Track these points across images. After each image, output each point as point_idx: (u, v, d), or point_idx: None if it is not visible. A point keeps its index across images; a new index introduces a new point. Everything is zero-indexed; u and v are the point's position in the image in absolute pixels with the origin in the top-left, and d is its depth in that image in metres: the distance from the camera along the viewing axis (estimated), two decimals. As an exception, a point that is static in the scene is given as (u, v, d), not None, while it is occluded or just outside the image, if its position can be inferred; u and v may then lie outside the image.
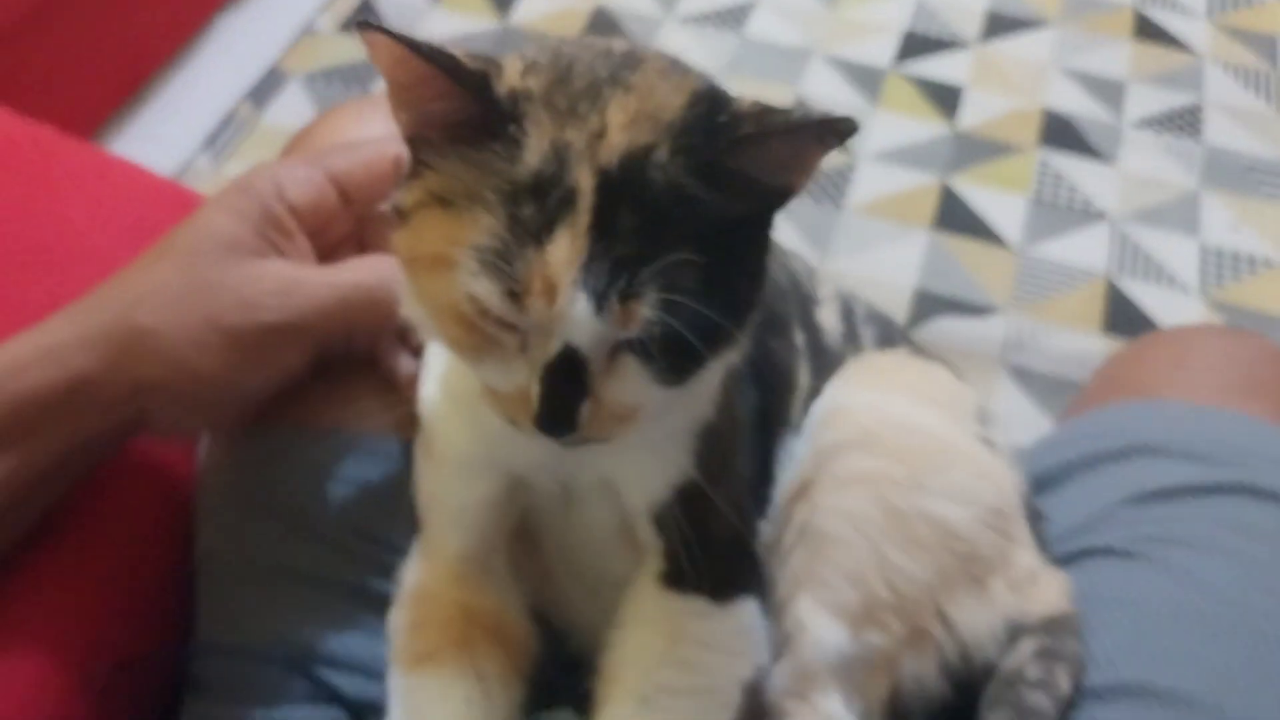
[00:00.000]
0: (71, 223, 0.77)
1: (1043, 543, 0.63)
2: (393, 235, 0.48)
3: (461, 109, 0.44)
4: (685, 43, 2.01)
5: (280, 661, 0.61)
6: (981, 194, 1.80)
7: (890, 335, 0.66)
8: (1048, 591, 0.60)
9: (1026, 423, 1.51)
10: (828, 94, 1.94)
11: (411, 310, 0.50)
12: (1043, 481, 0.69)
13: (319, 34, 1.99)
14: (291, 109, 1.85)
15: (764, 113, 0.45)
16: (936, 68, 2.00)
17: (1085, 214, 1.78)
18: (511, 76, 0.45)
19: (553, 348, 0.44)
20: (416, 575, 0.57)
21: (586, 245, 0.42)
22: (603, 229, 0.42)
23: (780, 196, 0.47)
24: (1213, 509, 0.63)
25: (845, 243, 1.72)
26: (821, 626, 0.54)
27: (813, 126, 0.44)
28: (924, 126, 1.90)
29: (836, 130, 0.44)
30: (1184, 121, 1.93)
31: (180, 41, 1.92)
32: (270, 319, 0.57)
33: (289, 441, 0.65)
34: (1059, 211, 1.78)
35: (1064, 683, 0.56)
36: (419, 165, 0.47)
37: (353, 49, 1.96)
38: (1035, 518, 0.63)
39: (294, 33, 1.98)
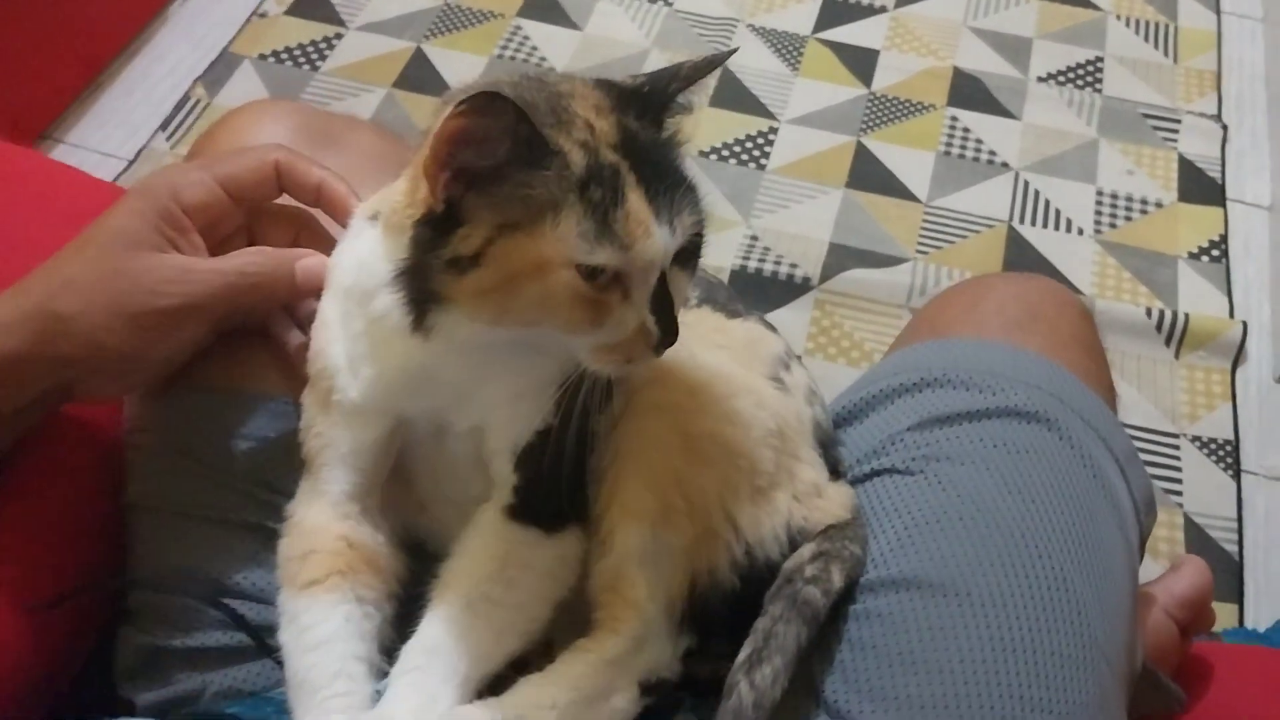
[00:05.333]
0: (14, 218, 0.87)
1: (837, 464, 0.74)
2: (458, 284, 0.58)
3: (513, 148, 0.55)
4: (618, 15, 2.08)
5: (195, 595, 0.71)
6: (893, 151, 1.88)
7: (714, 295, 0.76)
8: (831, 503, 0.70)
9: (930, 362, 1.61)
10: (752, 62, 2.02)
11: (517, 319, 0.59)
12: (849, 415, 0.79)
13: (268, 17, 2.05)
14: (244, 90, 1.91)
15: (674, 72, 0.62)
16: (853, 33, 2.08)
17: (990, 166, 1.86)
18: None
19: (654, 277, 0.58)
20: (305, 511, 0.67)
21: (644, 193, 0.57)
22: (642, 179, 0.58)
23: None
24: (980, 430, 0.73)
25: (766, 201, 1.80)
26: (628, 529, 0.64)
27: (720, 59, 0.64)
28: (840, 90, 1.98)
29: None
30: (1085, 74, 2.02)
31: (135, 29, 1.99)
32: (166, 303, 0.66)
33: (199, 403, 0.76)
34: (965, 165, 1.86)
35: (837, 579, 0.67)
36: (451, 223, 0.57)
37: (299, 30, 2.03)
38: (830, 444, 0.74)
39: (244, 16, 2.05)
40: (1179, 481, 1.51)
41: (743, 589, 0.66)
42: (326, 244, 0.72)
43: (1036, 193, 1.83)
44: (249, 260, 0.69)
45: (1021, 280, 0.86)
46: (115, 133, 1.87)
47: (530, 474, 0.64)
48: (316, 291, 0.70)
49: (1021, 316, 0.81)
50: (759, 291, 1.67)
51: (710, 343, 0.70)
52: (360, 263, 0.65)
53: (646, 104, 0.61)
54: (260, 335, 0.75)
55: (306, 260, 0.70)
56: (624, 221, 0.56)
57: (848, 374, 1.61)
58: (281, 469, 0.73)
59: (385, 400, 0.65)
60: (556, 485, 0.64)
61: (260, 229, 0.74)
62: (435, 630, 0.61)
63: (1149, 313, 1.64)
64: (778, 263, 1.71)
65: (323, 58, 1.98)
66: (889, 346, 0.93)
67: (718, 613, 0.66)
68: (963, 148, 1.89)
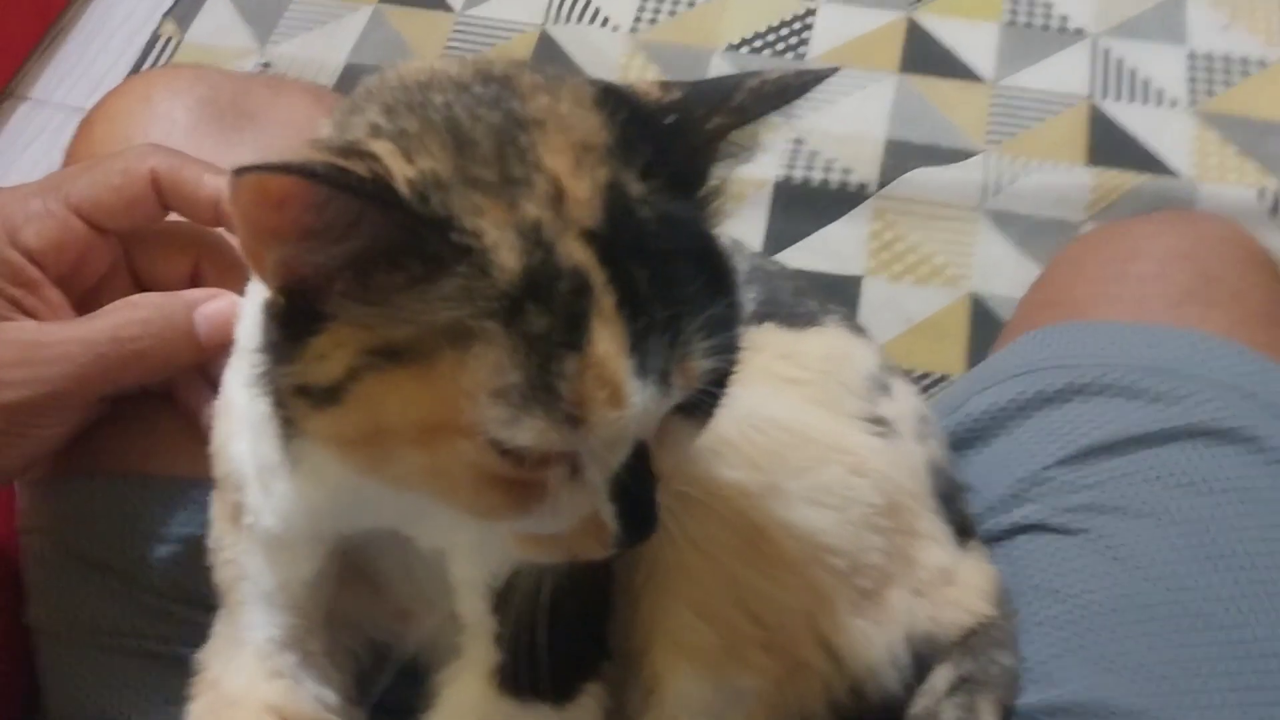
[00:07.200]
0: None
1: (965, 521, 0.53)
2: (311, 420, 0.37)
3: (381, 237, 0.34)
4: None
5: None
6: (951, 26, 1.63)
7: (776, 295, 0.55)
8: (967, 592, 0.49)
9: (1009, 271, 1.39)
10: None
11: (397, 486, 0.38)
12: (970, 435, 0.58)
13: (237, -63, 1.82)
14: (218, 22, 1.69)
15: (719, 96, 0.38)
16: (892, -111, 1.80)
17: (1063, 34, 1.61)
18: (398, 165, 0.34)
19: (621, 453, 0.36)
20: (221, 667, 0.48)
21: (623, 326, 0.34)
22: (626, 298, 0.34)
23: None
24: (1160, 461, 0.52)
25: (809, 98, 1.52)
26: (680, 676, 0.45)
27: (808, 81, 0.39)
28: (883, -43, 1.72)
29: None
30: (1165, -86, 1.73)
31: (94, -35, 1.77)
32: (12, 397, 0.46)
33: (98, 494, 0.56)
34: (1035, 34, 1.61)
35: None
36: (303, 322, 0.36)
37: (273, -52, 1.79)
38: (953, 494, 0.52)
39: (211, -61, 1.82)
40: (1311, 391, 1.29)
41: None
42: (240, 273, 0.51)
43: (1119, 61, 1.58)
44: (126, 318, 0.49)
45: (1181, 226, 0.63)
46: (81, 84, 1.68)
47: (520, 616, 0.43)
48: (229, 345, 0.49)
49: (1193, 282, 0.59)
50: (808, 206, 1.45)
51: (779, 379, 0.49)
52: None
53: (669, 147, 0.37)
54: (168, 401, 0.55)
55: (210, 306, 0.50)
56: (577, 378, 0.33)
57: (916, 294, 1.40)
58: (209, 577, 0.54)
59: (311, 526, 0.45)
60: (565, 625, 0.43)
61: (145, 261, 0.53)
62: None
63: (1261, 194, 1.41)
64: (828, 169, 1.48)
65: (303, -23, 1.74)
66: (1006, 325, 0.70)
67: None
68: (1030, 14, 1.63)
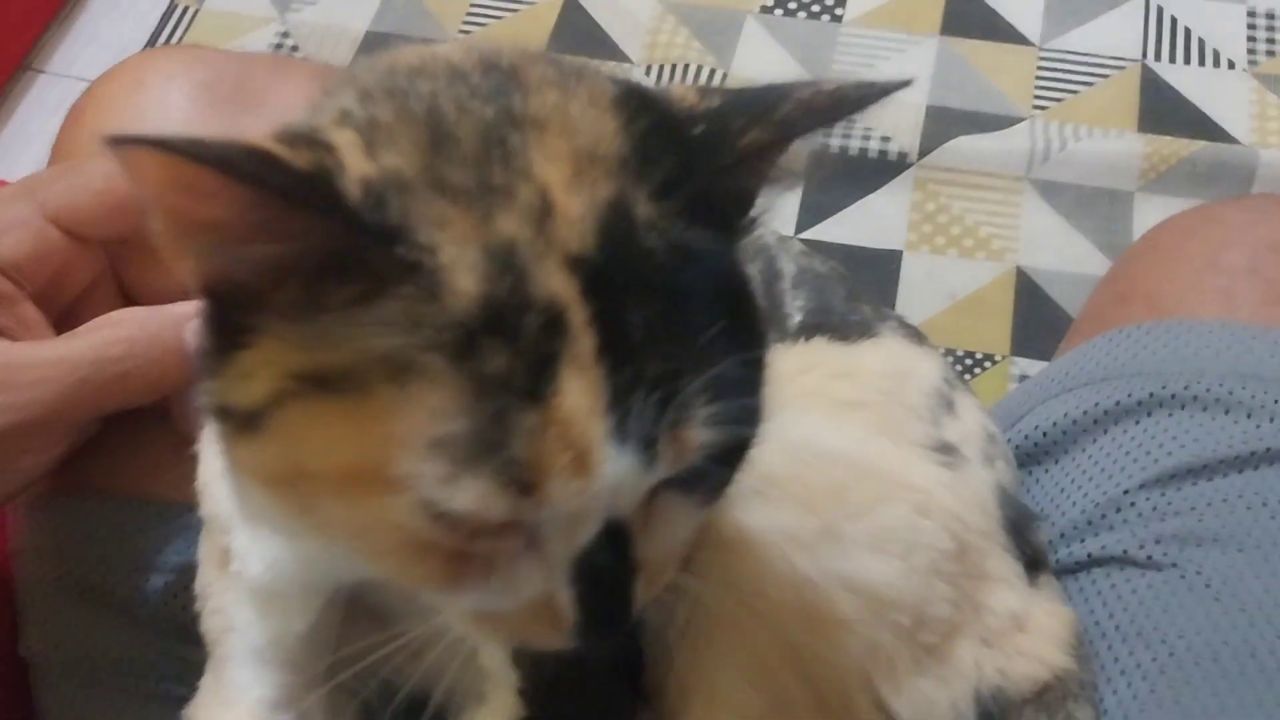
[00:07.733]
0: None
1: (1036, 552, 0.47)
2: (234, 445, 0.31)
3: (318, 244, 0.28)
4: None
5: None
6: (995, -17, 1.56)
7: (827, 302, 0.49)
8: (1040, 640, 0.44)
9: (1057, 243, 1.34)
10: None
11: (327, 538, 0.33)
12: (1036, 450, 0.52)
13: (256, -99, 1.76)
14: (236, -10, 1.65)
15: (758, 107, 0.31)
16: None
17: (1113, -10, 1.54)
18: (355, 160, 0.29)
19: (586, 531, 0.30)
20: None
21: (602, 376, 0.28)
22: (613, 343, 0.28)
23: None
24: (1261, 486, 0.46)
25: (846, 61, 1.51)
26: None
27: (870, 94, 0.32)
28: (924, -88, 1.64)
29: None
30: None
31: (110, -68, 1.73)
32: None
33: (93, 516, 0.52)
34: (1083, -9, 1.54)
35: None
36: (230, 331, 0.30)
37: (293, -88, 1.74)
38: (1024, 523, 0.47)
39: (229, -97, 1.76)
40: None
41: None
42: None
43: (1173, 20, 1.51)
44: (109, 337, 0.44)
45: (1275, 213, 0.56)
46: (101, 55, 1.62)
47: (542, 670, 0.39)
48: (224, 362, 0.44)
49: (1292, 277, 0.53)
50: (845, 176, 1.40)
51: (833, 402, 0.43)
52: None
53: (694, 164, 0.31)
54: (162, 417, 0.51)
55: None
56: (535, 436, 0.27)
57: (959, 268, 1.35)
58: (204, 612, 0.50)
59: (304, 575, 0.40)
60: (595, 681, 0.39)
61: (133, 271, 0.49)
62: None
63: (1327, 161, 1.33)
64: (866, 137, 1.42)
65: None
66: (1075, 322, 0.64)
67: None
68: (1078, -31, 1.56)
